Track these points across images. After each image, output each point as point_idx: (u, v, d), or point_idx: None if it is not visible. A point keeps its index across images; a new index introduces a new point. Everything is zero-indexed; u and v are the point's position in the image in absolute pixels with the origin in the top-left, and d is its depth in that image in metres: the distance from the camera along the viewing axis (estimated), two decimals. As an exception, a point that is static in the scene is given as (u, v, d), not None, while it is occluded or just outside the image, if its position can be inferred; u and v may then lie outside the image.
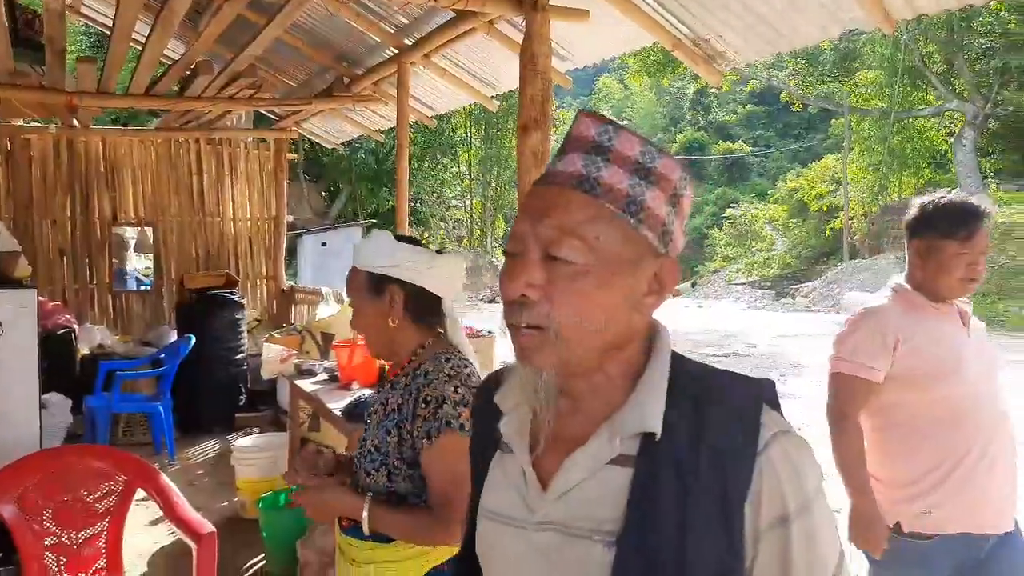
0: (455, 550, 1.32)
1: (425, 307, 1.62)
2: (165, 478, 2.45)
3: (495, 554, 0.88)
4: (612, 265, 0.77)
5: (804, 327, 14.05)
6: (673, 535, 0.72)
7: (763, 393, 0.80)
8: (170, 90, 4.64)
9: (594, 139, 0.80)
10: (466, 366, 1.55)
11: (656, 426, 0.76)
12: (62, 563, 2.28)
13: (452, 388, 1.49)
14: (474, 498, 0.96)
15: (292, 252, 20.65)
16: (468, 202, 26.14)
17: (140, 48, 4.09)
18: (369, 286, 1.60)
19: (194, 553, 2.17)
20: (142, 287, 7.13)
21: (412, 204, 23.88)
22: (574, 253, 0.76)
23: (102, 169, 6.82)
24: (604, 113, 0.86)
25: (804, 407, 7.32)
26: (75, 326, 6.21)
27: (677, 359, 0.83)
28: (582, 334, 0.77)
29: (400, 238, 1.65)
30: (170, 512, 2.33)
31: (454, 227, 25.98)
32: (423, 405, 1.48)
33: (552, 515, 0.80)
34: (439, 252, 1.65)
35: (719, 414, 0.77)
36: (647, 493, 0.74)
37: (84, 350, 6.19)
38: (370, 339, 1.66)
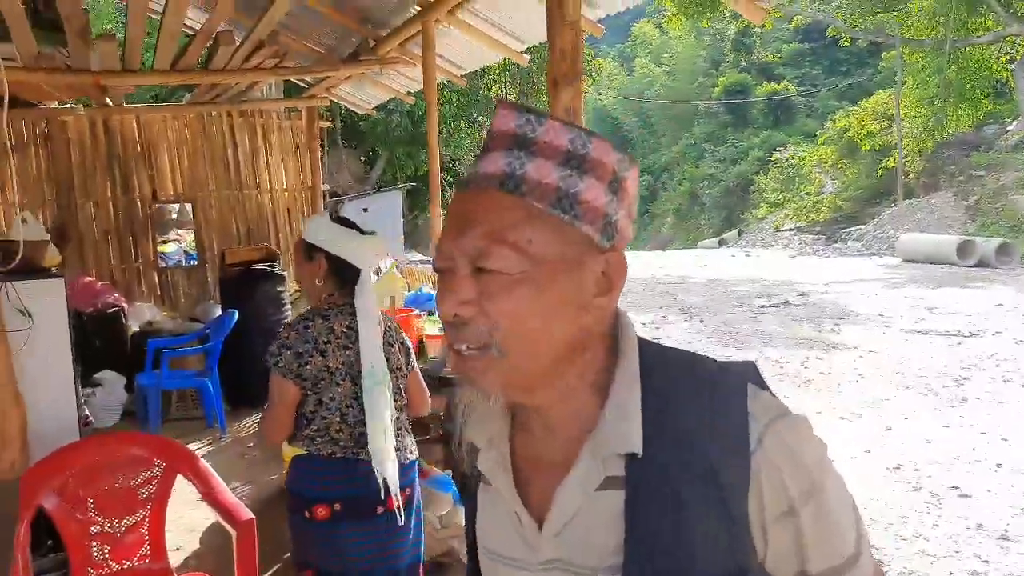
0: (302, 451, 2.09)
1: (345, 273, 2.12)
2: (204, 463, 2.43)
3: None
4: (550, 269, 0.70)
5: (858, 272, 13.58)
6: (678, 554, 0.69)
7: (745, 380, 0.74)
8: (196, 64, 4.57)
9: (515, 132, 0.73)
10: (311, 323, 2.08)
11: (637, 446, 0.71)
12: (106, 551, 2.30)
13: (285, 333, 2.09)
14: (469, 531, 0.90)
15: (335, 219, 20.86)
16: (506, 160, 25.82)
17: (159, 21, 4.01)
18: (305, 252, 2.16)
19: (234, 539, 2.15)
20: (191, 262, 7.22)
21: (450, 165, 23.76)
22: (505, 262, 0.69)
23: (139, 147, 6.86)
24: (519, 101, 0.80)
25: (859, 357, 7.09)
26: (124, 305, 6.33)
27: (646, 353, 0.76)
28: (526, 347, 0.71)
29: (335, 219, 2.18)
30: (209, 497, 2.32)
31: (493, 185, 25.75)
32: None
33: (555, 553, 0.75)
34: (365, 234, 2.17)
35: (702, 415, 0.72)
36: (643, 515, 0.70)
37: (135, 328, 6.32)
38: (303, 289, 2.33)
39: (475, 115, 23.48)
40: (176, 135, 6.99)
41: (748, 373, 0.76)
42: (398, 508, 2.07)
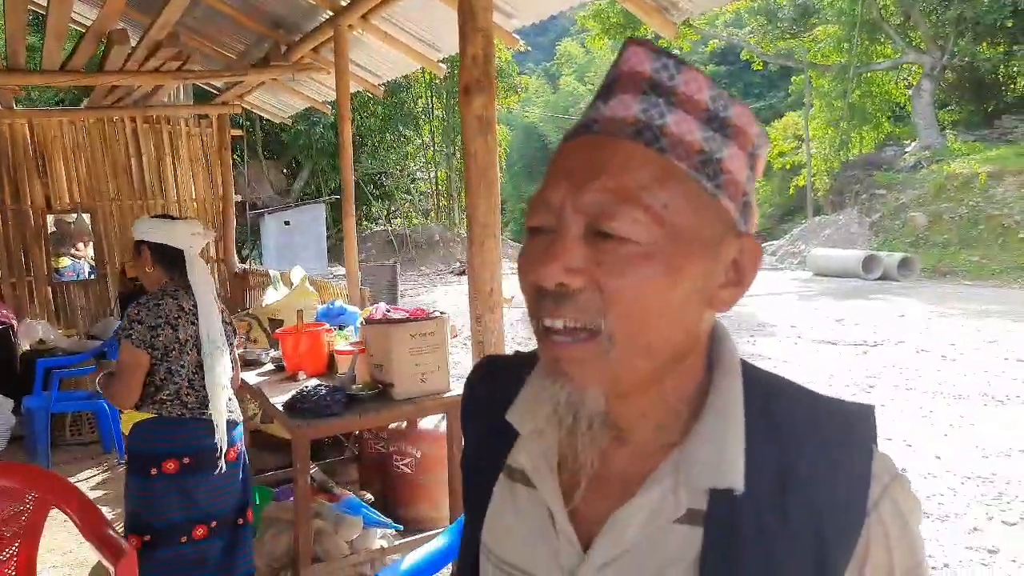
0: (150, 416, 2.37)
1: (170, 257, 2.46)
2: (83, 494, 2.21)
3: None
4: (686, 245, 0.57)
5: (771, 285, 14.07)
6: None
7: (869, 427, 0.62)
8: (89, 64, 4.28)
9: (651, 76, 0.59)
10: (161, 301, 2.38)
11: (737, 481, 0.58)
12: (-34, 595, 2.05)
13: (135, 310, 2.36)
14: (470, 527, 0.74)
15: (256, 232, 20.17)
16: (433, 174, 25.69)
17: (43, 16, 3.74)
18: (134, 249, 2.51)
19: (112, 575, 1.96)
20: (86, 276, 6.77)
21: (376, 178, 23.41)
22: (635, 228, 0.56)
23: (31, 153, 6.41)
24: (657, 45, 0.62)
25: (772, 368, 7.29)
26: (14, 322, 5.88)
27: (751, 372, 0.64)
28: (643, 340, 0.57)
29: (155, 216, 2.61)
30: (87, 530, 2.10)
31: (420, 200, 25.54)
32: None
33: None
34: (177, 220, 2.52)
35: (817, 459, 0.59)
36: (724, 565, 0.58)
37: (25, 346, 5.88)
38: (142, 281, 2.55)
39: (400, 128, 23.28)
40: (73, 141, 6.56)
41: (870, 419, 0.63)
42: (230, 458, 2.47)
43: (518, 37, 4.09)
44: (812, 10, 22.21)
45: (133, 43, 3.97)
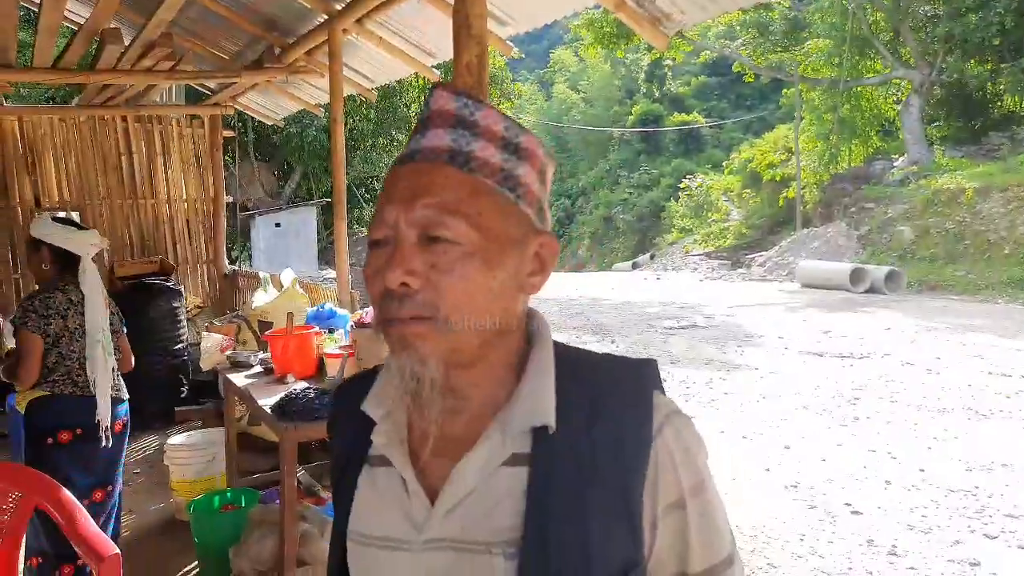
0: (44, 394, 2.74)
1: (68, 261, 2.82)
2: (66, 493, 2.20)
3: None
4: (499, 243, 0.71)
5: (760, 296, 14.15)
6: (577, 534, 0.69)
7: (652, 375, 0.78)
8: (81, 62, 4.26)
9: (456, 113, 0.74)
10: (52, 295, 2.74)
11: (550, 418, 0.72)
12: (-54, 595, 2.03)
13: (29, 302, 2.72)
14: (338, 524, 0.83)
15: (246, 234, 20.10)
16: (423, 179, 25.64)
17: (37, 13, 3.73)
18: (32, 245, 2.83)
19: (96, 577, 1.94)
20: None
21: (367, 182, 23.38)
22: (459, 233, 0.69)
23: (20, 150, 6.37)
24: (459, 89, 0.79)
25: (760, 378, 7.33)
26: (0, 319, 5.84)
27: (559, 344, 0.79)
28: (472, 321, 0.71)
29: (56, 219, 2.89)
30: (71, 530, 2.08)
31: (410, 204, 25.49)
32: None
33: (443, 531, 0.72)
34: (81, 228, 2.91)
35: (611, 400, 0.74)
36: (546, 492, 0.70)
37: (11, 345, 5.83)
38: (32, 274, 2.88)
39: (393, 133, 23.29)
40: (63, 138, 6.53)
41: (653, 369, 0.78)
42: (109, 432, 2.83)
43: (512, 44, 4.11)
44: (803, 24, 22.41)
45: (126, 42, 3.96)
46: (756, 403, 6.47)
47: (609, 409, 0.73)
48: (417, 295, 0.69)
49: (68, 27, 5.90)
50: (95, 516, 2.58)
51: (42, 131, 6.43)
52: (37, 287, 2.90)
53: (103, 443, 2.81)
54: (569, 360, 0.77)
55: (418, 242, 0.70)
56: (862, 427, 5.66)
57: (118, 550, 2.00)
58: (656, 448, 0.72)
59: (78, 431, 2.77)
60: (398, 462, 0.77)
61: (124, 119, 6.69)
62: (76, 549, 2.06)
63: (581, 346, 0.82)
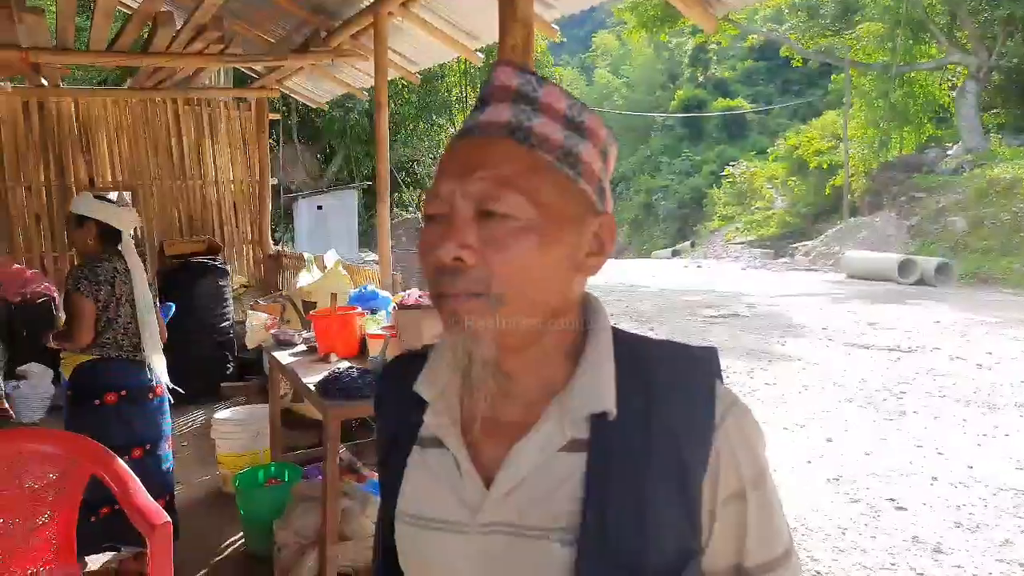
0: (91, 357, 2.94)
1: (110, 236, 3.01)
2: (121, 463, 2.28)
3: (429, 565, 0.76)
4: (556, 220, 0.70)
5: (804, 286, 13.87)
6: (635, 523, 0.68)
7: (713, 363, 0.76)
8: (134, 45, 4.36)
9: (517, 88, 0.73)
10: (100, 264, 2.93)
11: (610, 405, 0.71)
12: (7, 555, 2.13)
13: (79, 271, 2.89)
14: (386, 504, 0.82)
15: (288, 216, 20.39)
16: (464, 163, 25.66)
17: (95, -2, 3.81)
18: (76, 221, 3.00)
19: (148, 544, 2.01)
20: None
21: (408, 165, 23.48)
22: (515, 207, 0.68)
23: (76, 131, 6.55)
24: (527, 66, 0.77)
25: (802, 369, 7.20)
26: (54, 294, 6.04)
27: (615, 331, 0.77)
28: (526, 299, 0.69)
29: (97, 197, 3.09)
30: (125, 499, 2.16)
31: (450, 189, 25.54)
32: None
33: (499, 515, 0.72)
34: (121, 206, 3.10)
35: (672, 388, 0.73)
36: (605, 478, 0.69)
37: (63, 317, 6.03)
38: (77, 248, 3.08)
39: (434, 117, 23.34)
40: (116, 120, 6.70)
41: (714, 357, 0.77)
42: (159, 393, 3.09)
43: (557, 28, 4.07)
44: (855, 7, 21.73)
45: (178, 26, 4.03)
46: (798, 394, 6.37)
47: (670, 397, 0.72)
48: (471, 271, 0.68)
49: (121, 12, 6.05)
50: (134, 470, 2.80)
51: (96, 113, 6.61)
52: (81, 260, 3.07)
53: (149, 403, 3.04)
54: (627, 346, 0.76)
55: (473, 216, 0.69)
56: (908, 422, 5.53)
57: (169, 519, 2.07)
58: (718, 438, 0.71)
59: (123, 393, 2.97)
60: (452, 444, 0.76)
61: (174, 101, 6.83)
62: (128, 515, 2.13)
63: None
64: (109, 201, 3.10)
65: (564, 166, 0.71)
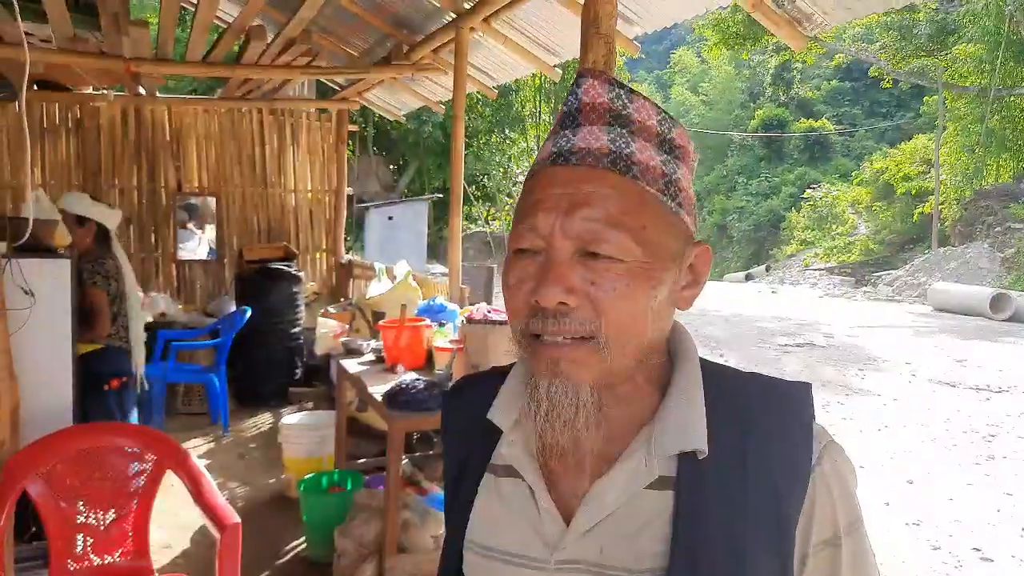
0: (98, 346, 3.25)
1: (103, 234, 3.37)
2: (195, 461, 2.34)
3: None
4: (661, 259, 0.66)
5: (886, 318, 13.27)
6: (726, 565, 0.64)
7: (807, 400, 0.71)
8: (227, 57, 4.54)
9: (609, 105, 0.67)
10: (105, 261, 3.28)
11: (702, 444, 0.67)
12: (89, 544, 2.21)
13: (90, 267, 3.20)
14: (454, 530, 0.79)
15: (360, 225, 20.88)
16: (535, 178, 25.72)
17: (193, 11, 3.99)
18: (76, 221, 3.29)
19: (217, 543, 2.05)
20: (209, 256, 7.19)
21: (479, 179, 23.70)
22: (621, 249, 0.64)
23: (167, 138, 6.88)
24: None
25: (882, 405, 6.85)
26: (140, 293, 6.32)
27: (705, 360, 0.74)
28: (628, 341, 0.66)
29: (87, 198, 3.43)
30: (199, 497, 2.22)
31: (520, 203, 25.66)
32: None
33: (579, 553, 0.68)
34: (111, 207, 3.47)
35: (765, 426, 0.68)
36: (694, 521, 0.65)
37: (148, 318, 6.29)
38: (78, 246, 3.25)
39: (507, 131, 23.52)
40: (205, 128, 6.99)
41: (808, 394, 0.72)
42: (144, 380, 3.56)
43: (638, 44, 4.02)
44: (951, 27, 20.81)
45: (269, 39, 4.18)
46: (877, 431, 6.06)
47: (763, 435, 0.68)
48: (574, 313, 0.64)
49: (217, 24, 6.33)
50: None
51: (187, 121, 6.92)
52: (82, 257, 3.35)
53: (133, 390, 3.42)
54: (716, 378, 0.72)
55: (574, 255, 0.65)
56: (997, 467, 5.18)
57: (239, 519, 2.10)
58: (814, 480, 0.67)
59: (124, 379, 3.33)
60: (530, 478, 0.72)
61: (259, 111, 7.08)
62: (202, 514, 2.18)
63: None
64: (98, 202, 3.45)
65: (667, 198, 0.67)
